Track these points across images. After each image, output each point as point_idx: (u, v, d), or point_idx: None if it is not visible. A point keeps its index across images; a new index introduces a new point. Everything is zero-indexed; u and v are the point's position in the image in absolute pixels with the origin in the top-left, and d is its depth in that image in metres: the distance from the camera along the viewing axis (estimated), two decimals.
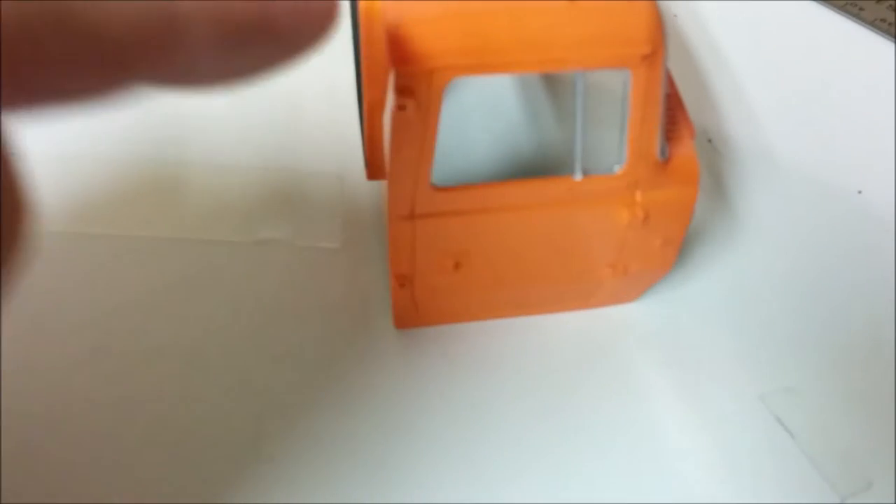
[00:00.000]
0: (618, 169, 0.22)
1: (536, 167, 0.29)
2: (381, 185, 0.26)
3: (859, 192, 0.31)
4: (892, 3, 0.36)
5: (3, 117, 0.12)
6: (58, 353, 0.25)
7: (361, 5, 0.22)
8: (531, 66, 0.20)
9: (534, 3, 0.20)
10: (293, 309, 0.27)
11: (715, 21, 0.36)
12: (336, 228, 0.29)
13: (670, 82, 0.25)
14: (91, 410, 0.24)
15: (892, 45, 0.35)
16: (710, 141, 0.32)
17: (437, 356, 0.26)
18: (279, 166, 0.30)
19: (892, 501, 0.24)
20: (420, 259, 0.24)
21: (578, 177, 0.22)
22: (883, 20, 0.35)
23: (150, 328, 0.26)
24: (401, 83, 0.20)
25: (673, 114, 0.24)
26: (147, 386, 0.25)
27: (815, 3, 0.37)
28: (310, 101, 0.32)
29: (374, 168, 0.28)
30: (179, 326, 0.26)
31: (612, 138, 0.22)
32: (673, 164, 0.23)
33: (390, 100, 0.20)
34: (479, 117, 0.29)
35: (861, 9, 0.36)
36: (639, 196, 0.23)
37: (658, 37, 0.20)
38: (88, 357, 0.25)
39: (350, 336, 0.26)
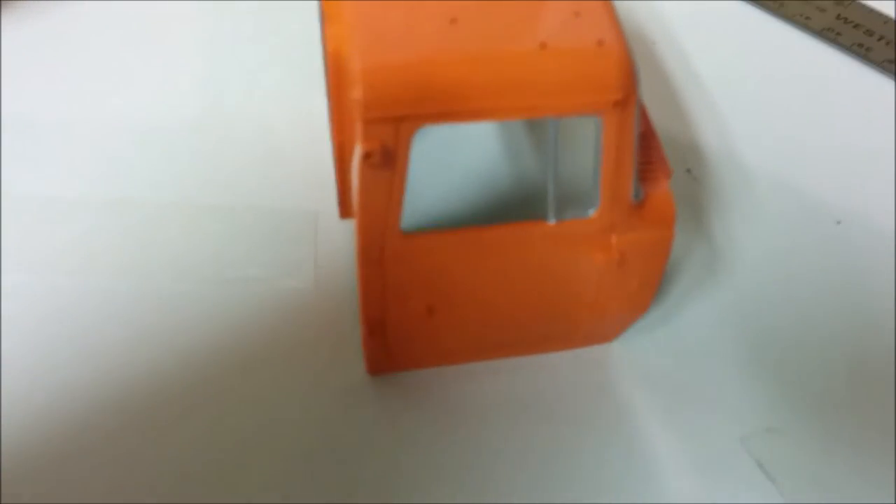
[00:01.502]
0: (592, 213, 0.22)
1: (513, 206, 0.28)
2: (354, 224, 0.26)
3: (838, 222, 0.30)
4: (869, 29, 0.36)
5: None
6: (20, 399, 0.25)
7: (329, 49, 0.22)
8: (501, 115, 0.20)
9: (503, 49, 0.19)
10: (261, 353, 0.26)
11: (695, 48, 0.36)
12: (308, 267, 0.28)
13: (645, 120, 0.24)
14: (58, 461, 0.24)
15: (875, 73, 0.35)
16: (689, 171, 0.32)
17: (411, 403, 0.25)
18: (251, 203, 0.29)
19: None
20: (392, 304, 0.23)
21: (552, 221, 0.22)
22: (860, 45, 0.35)
23: (112, 370, 0.25)
24: (368, 132, 0.19)
25: (648, 153, 0.24)
26: (108, 432, 0.24)
27: (797, 31, 0.36)
28: (285, 136, 0.31)
29: (345, 207, 0.27)
30: (141, 369, 0.26)
31: (590, 178, 0.22)
32: (648, 205, 0.23)
33: (358, 148, 0.20)
34: (454, 157, 0.29)
35: (838, 33, 0.36)
36: (614, 239, 0.23)
37: (629, 83, 0.20)
38: (50, 402, 0.25)
39: (321, 381, 0.26)
